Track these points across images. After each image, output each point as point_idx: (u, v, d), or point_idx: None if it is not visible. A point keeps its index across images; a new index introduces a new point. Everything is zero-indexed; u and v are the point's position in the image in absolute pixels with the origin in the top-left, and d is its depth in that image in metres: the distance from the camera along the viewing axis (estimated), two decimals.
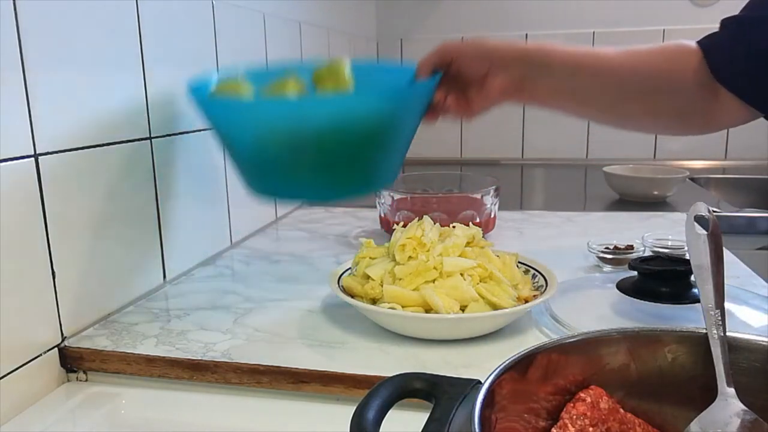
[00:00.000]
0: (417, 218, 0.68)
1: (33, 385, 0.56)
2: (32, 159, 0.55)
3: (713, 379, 0.38)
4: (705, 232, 0.45)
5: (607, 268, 0.80)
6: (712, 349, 0.39)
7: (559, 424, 0.37)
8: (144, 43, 0.70)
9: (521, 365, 0.36)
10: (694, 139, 1.71)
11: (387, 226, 0.95)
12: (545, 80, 0.71)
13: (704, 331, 0.40)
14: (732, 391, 0.37)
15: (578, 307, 0.65)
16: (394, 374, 0.37)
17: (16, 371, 0.54)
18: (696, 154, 1.72)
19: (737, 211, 1.18)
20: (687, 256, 0.68)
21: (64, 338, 0.60)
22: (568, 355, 0.38)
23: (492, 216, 0.94)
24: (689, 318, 0.59)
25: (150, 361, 0.57)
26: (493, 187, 0.94)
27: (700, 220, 0.45)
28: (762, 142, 1.60)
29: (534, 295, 0.63)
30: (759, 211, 1.17)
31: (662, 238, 0.83)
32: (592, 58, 0.71)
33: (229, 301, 0.71)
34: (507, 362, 0.36)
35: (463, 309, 0.59)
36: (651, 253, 0.79)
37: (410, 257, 0.62)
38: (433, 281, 0.61)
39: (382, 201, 0.95)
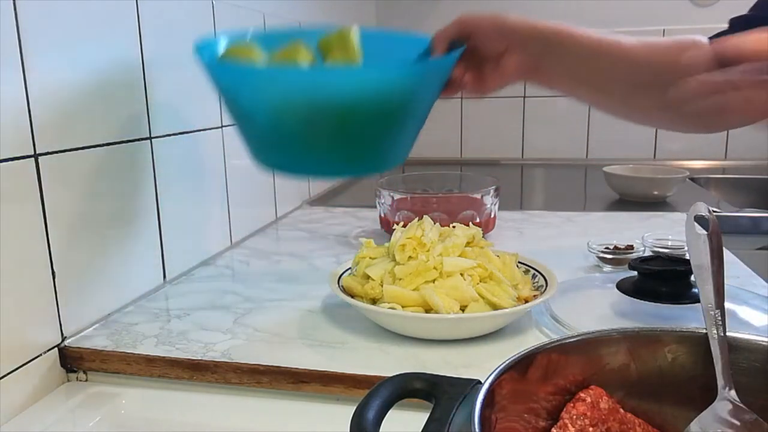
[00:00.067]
0: (417, 218, 0.68)
1: (33, 385, 0.56)
2: (32, 159, 0.55)
3: (713, 379, 0.38)
4: (705, 232, 0.45)
5: (607, 268, 0.80)
6: (712, 349, 0.39)
7: (559, 424, 0.37)
8: (144, 43, 0.70)
9: (521, 365, 0.36)
10: (694, 138, 1.71)
11: (387, 226, 0.95)
12: (562, 62, 0.70)
13: (704, 331, 0.40)
14: (732, 391, 0.37)
15: (578, 307, 0.65)
16: (394, 374, 0.37)
17: (16, 371, 0.54)
18: (696, 154, 1.72)
19: (737, 211, 1.18)
20: (687, 256, 0.68)
21: (64, 338, 0.60)
22: (568, 355, 0.38)
23: (492, 216, 0.94)
24: (689, 318, 0.59)
25: (150, 361, 0.57)
26: (493, 187, 0.94)
27: (700, 220, 0.45)
28: (762, 142, 1.60)
29: (534, 295, 0.63)
30: (759, 211, 1.17)
31: (662, 238, 0.83)
32: (610, 45, 0.69)
33: (229, 301, 0.71)
34: (507, 362, 0.36)
35: (463, 309, 0.59)
36: (651, 253, 0.79)
37: (410, 257, 0.62)
38: (433, 281, 0.61)
39: (382, 201, 0.95)
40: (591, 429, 0.37)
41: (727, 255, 0.81)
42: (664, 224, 1.02)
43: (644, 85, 0.70)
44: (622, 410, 0.39)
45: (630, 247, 0.81)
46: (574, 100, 0.76)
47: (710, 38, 0.70)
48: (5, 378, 0.53)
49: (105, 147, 0.64)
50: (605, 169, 1.34)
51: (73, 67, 0.60)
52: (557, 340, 0.39)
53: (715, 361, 0.38)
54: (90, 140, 0.62)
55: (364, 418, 0.33)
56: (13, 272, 0.53)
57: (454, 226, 0.69)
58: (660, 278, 0.64)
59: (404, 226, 0.69)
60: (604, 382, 0.39)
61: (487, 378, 0.34)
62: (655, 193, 1.27)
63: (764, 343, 0.39)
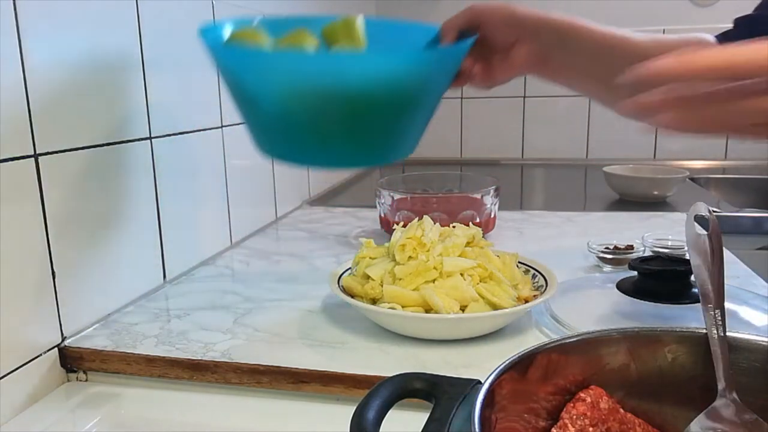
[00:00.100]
0: (417, 218, 0.68)
1: (33, 385, 0.56)
2: (32, 159, 0.55)
3: (713, 379, 0.38)
4: (705, 232, 0.45)
5: (607, 268, 0.80)
6: (712, 349, 0.39)
7: (559, 424, 0.37)
8: (144, 43, 0.70)
9: (521, 365, 0.36)
10: (694, 139, 1.71)
11: (387, 226, 0.95)
12: (572, 56, 0.68)
13: (704, 331, 0.40)
14: (732, 390, 0.37)
15: (578, 307, 0.65)
16: (394, 374, 0.37)
17: (16, 371, 0.54)
18: (696, 154, 1.72)
19: (737, 211, 1.18)
20: (687, 256, 0.68)
21: (64, 338, 0.60)
22: (568, 355, 0.38)
23: (492, 216, 0.94)
24: (689, 318, 0.59)
25: (150, 361, 0.57)
26: (493, 187, 0.94)
27: (700, 220, 0.45)
28: (762, 142, 1.60)
29: (534, 295, 0.63)
30: (759, 211, 1.17)
31: (662, 238, 0.83)
32: (620, 40, 0.68)
33: (229, 301, 0.71)
34: (507, 362, 0.36)
35: (463, 309, 0.59)
36: (651, 253, 0.79)
37: (410, 257, 0.62)
38: (433, 281, 0.61)
39: (382, 201, 0.95)
40: (591, 429, 0.37)
41: (727, 255, 0.81)
42: (664, 224, 1.02)
43: None
44: (622, 410, 0.39)
45: (630, 247, 0.81)
46: (580, 94, 0.75)
47: (716, 37, 0.69)
48: (5, 378, 0.53)
49: (105, 147, 0.64)
50: (605, 169, 1.34)
51: (73, 67, 0.60)
52: (557, 340, 0.39)
53: (715, 361, 0.38)
54: (90, 140, 0.62)
55: (364, 418, 0.33)
56: (13, 272, 0.53)
57: (454, 226, 0.69)
58: (660, 278, 0.64)
59: (404, 226, 0.69)
60: (604, 382, 0.39)
61: (487, 378, 0.34)
62: (655, 193, 1.27)
63: (764, 343, 0.39)
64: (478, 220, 0.90)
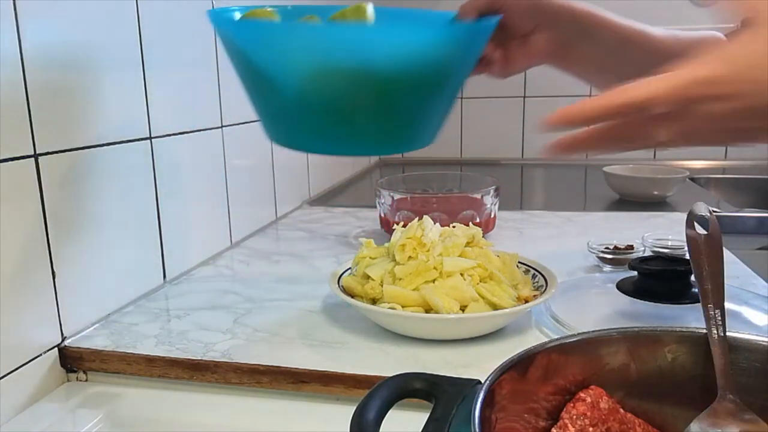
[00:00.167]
0: (417, 218, 0.68)
1: (33, 385, 0.56)
2: (32, 159, 0.55)
3: (713, 379, 0.38)
4: (705, 232, 0.45)
5: (607, 268, 0.80)
6: (712, 349, 0.39)
7: (559, 424, 0.37)
8: (144, 43, 0.70)
9: (521, 365, 0.36)
10: None
11: (387, 226, 0.95)
12: (592, 48, 0.66)
13: (704, 331, 0.40)
14: (732, 391, 0.37)
15: (578, 307, 0.65)
16: (394, 374, 0.37)
17: (16, 371, 0.54)
18: (696, 154, 1.72)
19: (737, 211, 1.18)
20: (687, 256, 0.68)
21: (64, 338, 0.60)
22: (568, 355, 0.38)
23: (492, 216, 0.94)
24: (689, 318, 0.59)
25: (150, 361, 0.57)
26: (493, 187, 0.94)
27: (700, 220, 0.45)
28: None
29: (534, 295, 0.63)
30: (759, 211, 1.17)
31: (662, 238, 0.83)
32: (641, 35, 0.66)
33: (229, 301, 0.71)
34: (507, 362, 0.36)
35: (463, 309, 0.59)
36: (651, 253, 0.79)
37: (410, 257, 0.62)
38: (433, 281, 0.61)
39: (382, 201, 0.95)
40: (591, 429, 0.37)
41: (727, 255, 0.81)
42: (664, 224, 1.02)
43: None
44: (622, 410, 0.39)
45: (630, 247, 0.81)
46: (594, 87, 0.74)
47: (726, 35, 0.68)
48: (5, 378, 0.53)
49: (105, 147, 0.64)
50: (605, 169, 1.34)
51: (73, 67, 0.60)
52: (557, 340, 0.39)
53: (715, 361, 0.38)
54: (90, 140, 0.62)
55: (364, 418, 0.33)
56: (13, 272, 0.53)
57: (454, 226, 0.69)
58: (660, 278, 0.64)
59: (404, 226, 0.69)
60: (604, 382, 0.39)
61: (487, 378, 0.34)
62: (655, 193, 1.27)
63: (764, 343, 0.39)
64: (478, 220, 0.90)
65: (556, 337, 0.41)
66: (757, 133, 0.41)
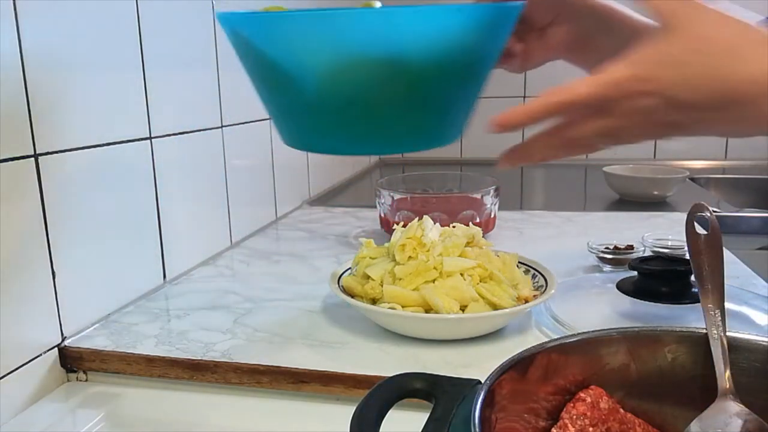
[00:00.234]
0: (417, 218, 0.68)
1: (33, 385, 0.56)
2: (33, 159, 0.55)
3: (713, 379, 0.38)
4: (705, 232, 0.45)
5: (607, 268, 0.80)
6: (712, 349, 0.39)
7: (559, 424, 0.37)
8: (144, 43, 0.70)
9: (521, 365, 0.36)
10: (694, 139, 1.70)
11: (387, 226, 0.95)
12: (610, 41, 0.63)
13: (704, 331, 0.40)
14: (732, 391, 0.37)
15: (578, 307, 0.65)
16: (394, 374, 0.37)
17: (16, 371, 0.54)
18: (696, 154, 1.72)
19: (737, 211, 1.18)
20: (687, 256, 0.68)
21: (64, 338, 0.60)
22: (568, 355, 0.38)
23: (492, 216, 0.94)
24: (689, 318, 0.59)
25: (150, 361, 0.57)
26: (493, 187, 0.93)
27: (700, 220, 0.45)
28: (762, 142, 1.60)
29: (534, 295, 0.63)
30: (759, 211, 1.17)
31: (662, 238, 0.83)
32: None
33: (229, 301, 0.71)
34: (507, 362, 0.36)
35: (463, 309, 0.59)
36: (651, 253, 0.79)
37: (410, 257, 0.62)
38: (433, 281, 0.61)
39: (382, 201, 0.95)
40: (591, 429, 0.37)
41: (727, 255, 0.81)
42: (664, 224, 1.02)
43: None
44: (622, 410, 0.39)
45: (630, 247, 0.81)
46: None
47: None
48: (5, 378, 0.53)
49: (105, 147, 0.64)
50: (605, 169, 1.34)
51: (73, 66, 0.60)
52: (557, 340, 0.39)
53: (715, 361, 0.38)
54: (90, 140, 0.62)
55: (364, 418, 0.33)
56: (13, 272, 0.53)
57: (454, 226, 0.69)
58: (660, 278, 0.64)
59: (404, 226, 0.69)
60: (604, 382, 0.39)
61: (487, 378, 0.34)
62: (655, 193, 1.27)
63: (764, 343, 0.39)
64: (478, 220, 0.90)
65: (556, 337, 0.41)
66: (679, 126, 0.44)
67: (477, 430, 0.30)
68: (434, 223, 0.68)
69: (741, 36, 0.42)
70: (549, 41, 0.63)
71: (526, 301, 0.62)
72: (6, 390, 0.53)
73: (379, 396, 0.35)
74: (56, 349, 0.59)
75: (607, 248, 0.81)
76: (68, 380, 0.60)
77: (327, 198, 1.32)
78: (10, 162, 0.52)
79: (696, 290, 0.55)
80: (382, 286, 0.61)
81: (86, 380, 0.59)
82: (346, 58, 0.46)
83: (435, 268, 0.61)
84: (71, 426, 0.52)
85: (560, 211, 1.11)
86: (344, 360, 0.56)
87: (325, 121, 0.51)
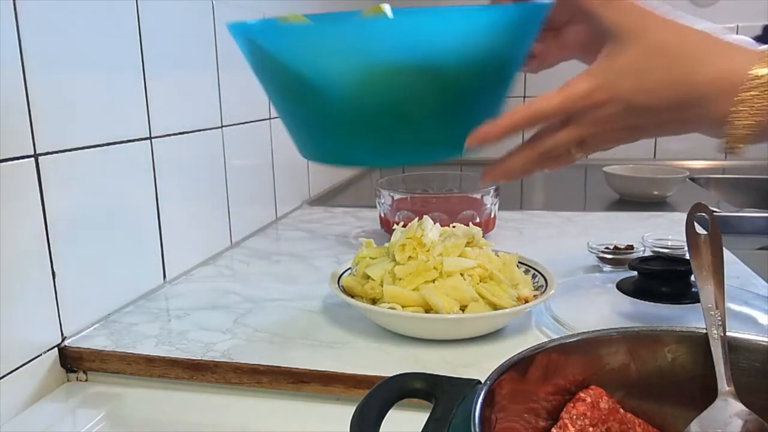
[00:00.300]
0: (417, 218, 0.68)
1: (33, 385, 0.56)
2: (32, 159, 0.55)
3: (713, 379, 0.38)
4: (705, 232, 0.45)
5: (607, 268, 0.80)
6: (712, 349, 0.39)
7: (559, 424, 0.37)
8: (144, 43, 0.70)
9: (521, 365, 0.36)
10: (694, 139, 1.70)
11: (387, 226, 0.95)
12: None
13: (704, 331, 0.40)
14: (732, 391, 0.37)
15: (578, 307, 0.65)
16: (394, 374, 0.37)
17: (16, 371, 0.54)
18: (696, 154, 1.72)
19: (737, 211, 1.18)
20: (687, 256, 0.68)
21: (64, 338, 0.60)
22: (568, 355, 0.38)
23: (492, 216, 0.94)
24: (689, 318, 0.59)
25: (150, 361, 0.57)
26: (493, 187, 0.94)
27: (700, 220, 0.45)
28: None
29: (534, 295, 0.63)
30: (759, 211, 1.17)
31: (662, 238, 0.83)
32: None
33: (229, 301, 0.71)
34: (507, 362, 0.36)
35: (463, 309, 0.59)
36: (651, 253, 0.79)
37: (410, 257, 0.62)
38: (433, 281, 0.61)
39: (382, 201, 0.95)
40: (591, 429, 0.37)
41: (727, 255, 0.81)
42: (664, 224, 1.02)
43: None
44: (622, 410, 0.39)
45: (630, 247, 0.81)
46: None
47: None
48: (5, 378, 0.53)
49: (105, 147, 0.64)
50: (605, 169, 1.34)
51: (73, 67, 0.60)
52: (557, 340, 0.39)
53: (715, 361, 0.38)
54: (90, 140, 0.62)
55: (364, 418, 0.33)
56: (13, 272, 0.53)
57: (454, 226, 0.69)
58: (660, 278, 0.64)
59: (404, 226, 0.69)
60: (604, 382, 0.39)
61: (487, 378, 0.34)
62: (655, 193, 1.27)
63: (764, 343, 0.39)
64: (478, 220, 0.90)
65: (556, 337, 0.41)
66: (644, 128, 0.47)
67: (477, 430, 0.30)
68: (434, 223, 0.68)
69: (695, 42, 0.44)
70: (565, 41, 0.63)
71: (526, 301, 0.62)
72: (6, 390, 0.53)
73: (379, 396, 0.35)
74: (56, 349, 0.59)
75: (607, 248, 0.81)
76: (68, 380, 0.59)
77: (327, 198, 1.32)
78: (10, 162, 0.52)
79: (696, 290, 0.54)
80: (382, 286, 0.61)
81: (86, 380, 0.59)
82: (378, 67, 0.45)
83: (435, 268, 0.61)
84: (71, 426, 0.52)
85: (560, 211, 1.11)
86: (344, 360, 0.56)
87: (354, 132, 0.49)
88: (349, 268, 0.69)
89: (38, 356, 0.57)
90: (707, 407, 0.37)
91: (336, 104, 0.48)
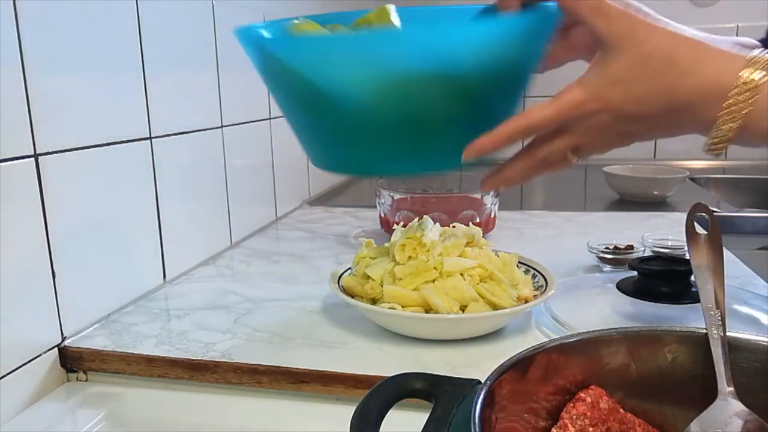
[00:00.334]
0: (417, 218, 0.68)
1: (33, 385, 0.56)
2: (32, 159, 0.55)
3: (713, 379, 0.38)
4: (705, 232, 0.45)
5: (607, 268, 0.80)
6: (712, 349, 0.39)
7: (559, 424, 0.37)
8: (144, 43, 0.70)
9: (521, 365, 0.36)
10: (694, 139, 1.70)
11: (387, 226, 0.95)
12: None
13: (704, 331, 0.40)
14: (732, 391, 0.37)
15: (578, 307, 0.65)
16: (394, 374, 0.37)
17: (16, 371, 0.54)
18: (696, 154, 1.72)
19: (737, 211, 1.18)
20: (687, 256, 0.68)
21: (64, 338, 0.60)
22: (568, 355, 0.38)
23: (492, 216, 0.94)
24: (689, 318, 0.59)
25: (150, 361, 0.57)
26: None
27: (700, 220, 0.45)
28: None
29: (534, 295, 0.63)
30: (759, 211, 1.17)
31: (662, 238, 0.83)
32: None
33: (229, 301, 0.71)
34: (507, 362, 0.36)
35: (463, 309, 0.59)
36: (651, 253, 0.79)
37: (410, 257, 0.62)
38: (433, 281, 0.61)
39: (382, 201, 0.95)
40: (591, 429, 0.37)
41: (727, 255, 0.81)
42: (664, 224, 1.02)
43: None
44: (622, 410, 0.39)
45: (630, 247, 0.81)
46: None
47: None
48: (5, 378, 0.53)
49: (105, 147, 0.64)
50: (605, 169, 1.34)
51: (73, 67, 0.60)
52: (557, 340, 0.39)
53: (715, 361, 0.38)
54: (90, 140, 0.62)
55: (364, 418, 0.33)
56: (13, 272, 0.53)
57: (454, 226, 0.69)
58: (660, 278, 0.64)
59: (404, 226, 0.69)
60: (604, 382, 0.39)
61: (487, 378, 0.34)
62: (655, 193, 1.27)
63: (764, 343, 0.39)
64: (478, 220, 0.90)
65: (556, 337, 0.41)
66: (635, 134, 0.48)
67: (477, 430, 0.30)
68: (434, 223, 0.68)
69: (685, 49, 0.45)
70: (572, 41, 0.63)
71: (526, 301, 0.62)
72: (6, 390, 0.53)
73: (379, 396, 0.35)
74: (56, 349, 0.59)
75: (607, 248, 0.81)
76: (68, 380, 0.60)
77: (327, 198, 1.32)
78: (10, 162, 0.52)
79: (696, 290, 0.55)
80: (382, 286, 0.61)
81: (86, 380, 0.59)
82: (396, 77, 0.45)
83: (435, 268, 0.61)
84: (71, 426, 0.52)
85: (560, 211, 1.12)
86: (344, 360, 0.56)
87: (370, 142, 0.49)
88: (349, 268, 0.69)
89: (38, 356, 0.57)
90: (707, 407, 0.37)
91: (352, 114, 0.47)
